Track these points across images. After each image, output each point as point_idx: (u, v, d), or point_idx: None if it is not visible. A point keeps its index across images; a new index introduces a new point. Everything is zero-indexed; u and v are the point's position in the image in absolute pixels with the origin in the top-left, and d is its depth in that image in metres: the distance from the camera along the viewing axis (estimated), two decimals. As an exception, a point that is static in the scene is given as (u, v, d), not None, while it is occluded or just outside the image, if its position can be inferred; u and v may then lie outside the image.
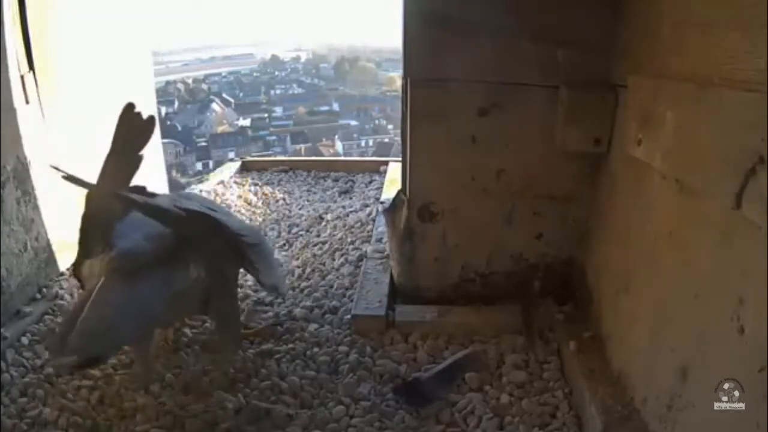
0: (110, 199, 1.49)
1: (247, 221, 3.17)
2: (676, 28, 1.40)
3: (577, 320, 1.95)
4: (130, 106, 1.54)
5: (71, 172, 1.37)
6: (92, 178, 1.47)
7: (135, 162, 1.53)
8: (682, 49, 1.36)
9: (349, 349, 1.96)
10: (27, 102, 2.19)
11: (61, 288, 2.27)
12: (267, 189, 3.77)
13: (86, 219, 1.60)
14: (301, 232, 3.04)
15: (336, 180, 3.97)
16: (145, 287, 1.46)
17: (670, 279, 1.36)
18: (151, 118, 1.55)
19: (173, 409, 1.65)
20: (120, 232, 1.52)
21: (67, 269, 2.42)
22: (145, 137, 1.56)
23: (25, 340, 1.95)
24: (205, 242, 1.62)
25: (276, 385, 1.77)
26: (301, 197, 3.65)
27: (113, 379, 1.79)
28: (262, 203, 3.55)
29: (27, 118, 2.18)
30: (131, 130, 1.54)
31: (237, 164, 4.27)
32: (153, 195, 1.63)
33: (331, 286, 2.40)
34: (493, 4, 1.85)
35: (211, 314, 1.81)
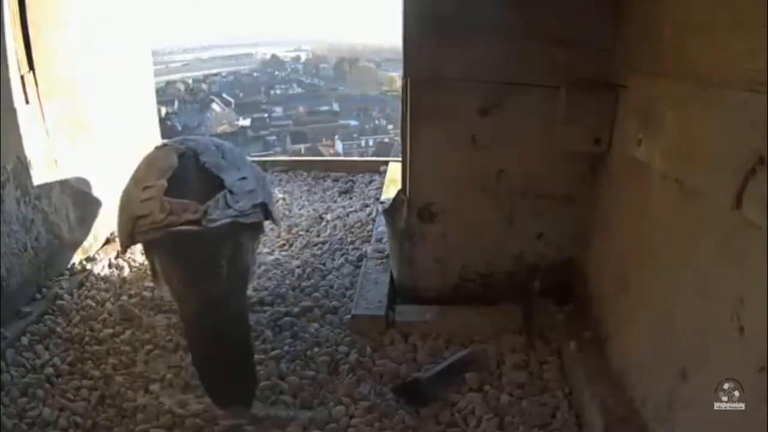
0: None
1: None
2: (677, 29, 1.40)
3: (577, 320, 1.95)
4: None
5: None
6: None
7: None
8: (682, 50, 1.36)
9: (349, 349, 1.96)
10: (27, 102, 2.19)
11: (61, 288, 2.27)
12: (267, 189, 3.76)
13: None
14: (301, 232, 3.04)
15: (336, 180, 3.96)
16: None
17: (670, 279, 1.36)
18: None
19: (173, 409, 1.66)
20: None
21: (67, 269, 2.42)
22: None
23: (25, 340, 1.95)
24: None
25: (276, 385, 1.77)
26: (301, 197, 3.65)
27: (113, 379, 1.80)
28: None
29: (27, 118, 2.18)
30: None
31: (237, 164, 4.25)
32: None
33: (332, 286, 2.39)
34: (493, 4, 1.85)
35: None
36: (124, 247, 1.89)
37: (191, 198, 1.68)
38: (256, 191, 1.84)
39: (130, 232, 1.72)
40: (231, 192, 1.74)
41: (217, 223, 1.60)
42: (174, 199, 1.67)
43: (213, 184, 1.79)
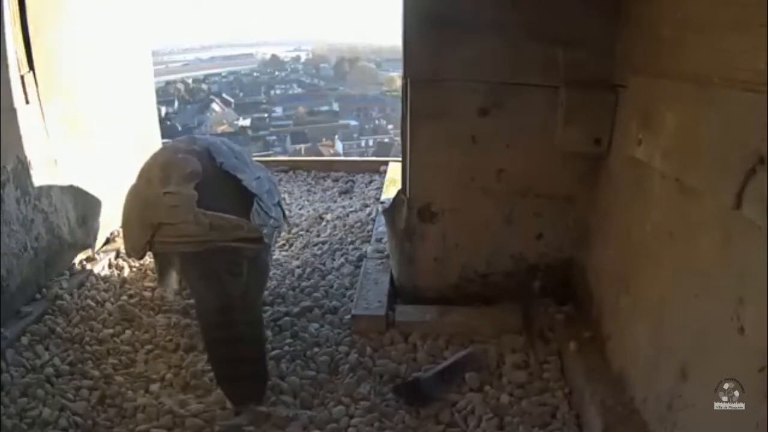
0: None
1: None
2: (676, 29, 1.40)
3: (577, 320, 1.95)
4: None
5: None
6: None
7: None
8: (682, 49, 1.36)
9: (349, 349, 1.96)
10: (27, 102, 2.19)
11: (61, 288, 2.26)
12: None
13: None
14: (301, 232, 3.04)
15: (336, 180, 3.96)
16: None
17: (670, 279, 1.36)
18: None
19: (173, 409, 1.65)
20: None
21: (67, 269, 2.42)
22: None
23: (25, 340, 1.94)
24: None
25: (276, 385, 1.77)
26: (301, 197, 3.65)
27: (113, 379, 1.80)
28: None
29: (27, 118, 2.18)
30: None
31: (237, 164, 4.26)
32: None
33: (331, 286, 2.39)
34: (493, 4, 1.85)
35: None
36: (139, 255, 1.83)
37: (220, 206, 1.65)
38: (272, 191, 1.85)
39: (147, 239, 1.66)
40: (260, 199, 1.76)
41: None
42: (211, 213, 1.62)
43: (235, 188, 1.77)
